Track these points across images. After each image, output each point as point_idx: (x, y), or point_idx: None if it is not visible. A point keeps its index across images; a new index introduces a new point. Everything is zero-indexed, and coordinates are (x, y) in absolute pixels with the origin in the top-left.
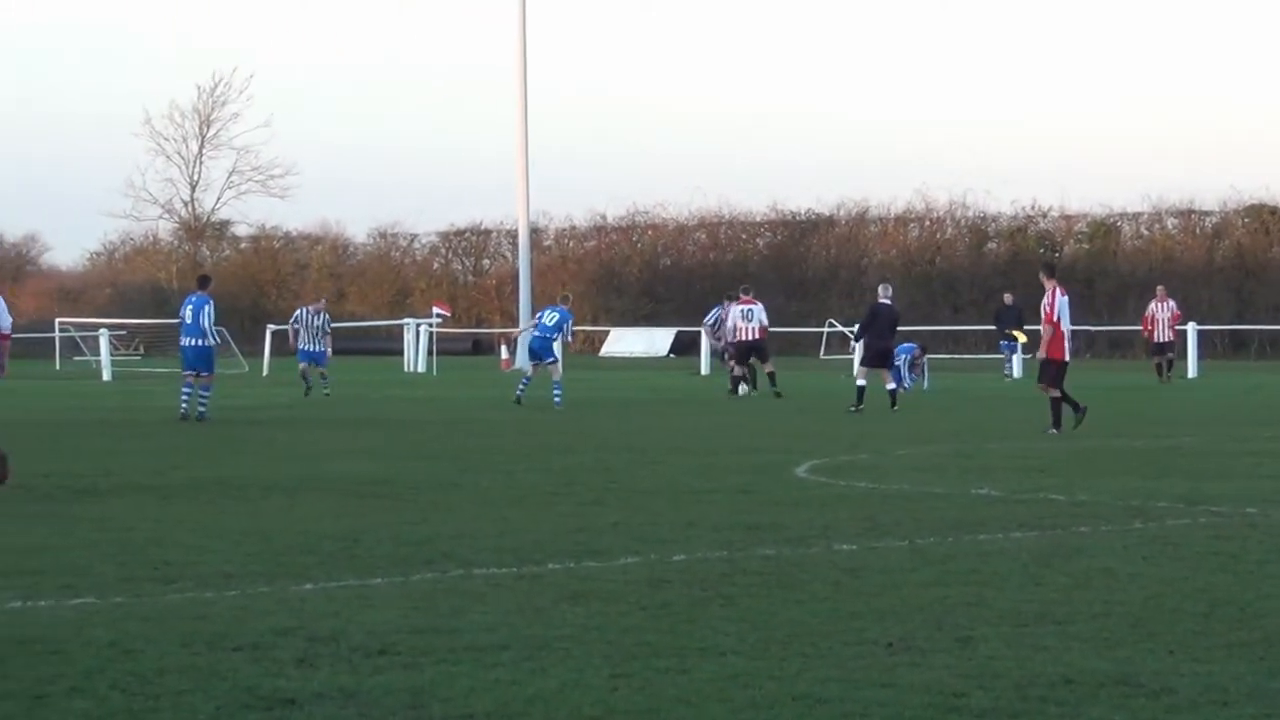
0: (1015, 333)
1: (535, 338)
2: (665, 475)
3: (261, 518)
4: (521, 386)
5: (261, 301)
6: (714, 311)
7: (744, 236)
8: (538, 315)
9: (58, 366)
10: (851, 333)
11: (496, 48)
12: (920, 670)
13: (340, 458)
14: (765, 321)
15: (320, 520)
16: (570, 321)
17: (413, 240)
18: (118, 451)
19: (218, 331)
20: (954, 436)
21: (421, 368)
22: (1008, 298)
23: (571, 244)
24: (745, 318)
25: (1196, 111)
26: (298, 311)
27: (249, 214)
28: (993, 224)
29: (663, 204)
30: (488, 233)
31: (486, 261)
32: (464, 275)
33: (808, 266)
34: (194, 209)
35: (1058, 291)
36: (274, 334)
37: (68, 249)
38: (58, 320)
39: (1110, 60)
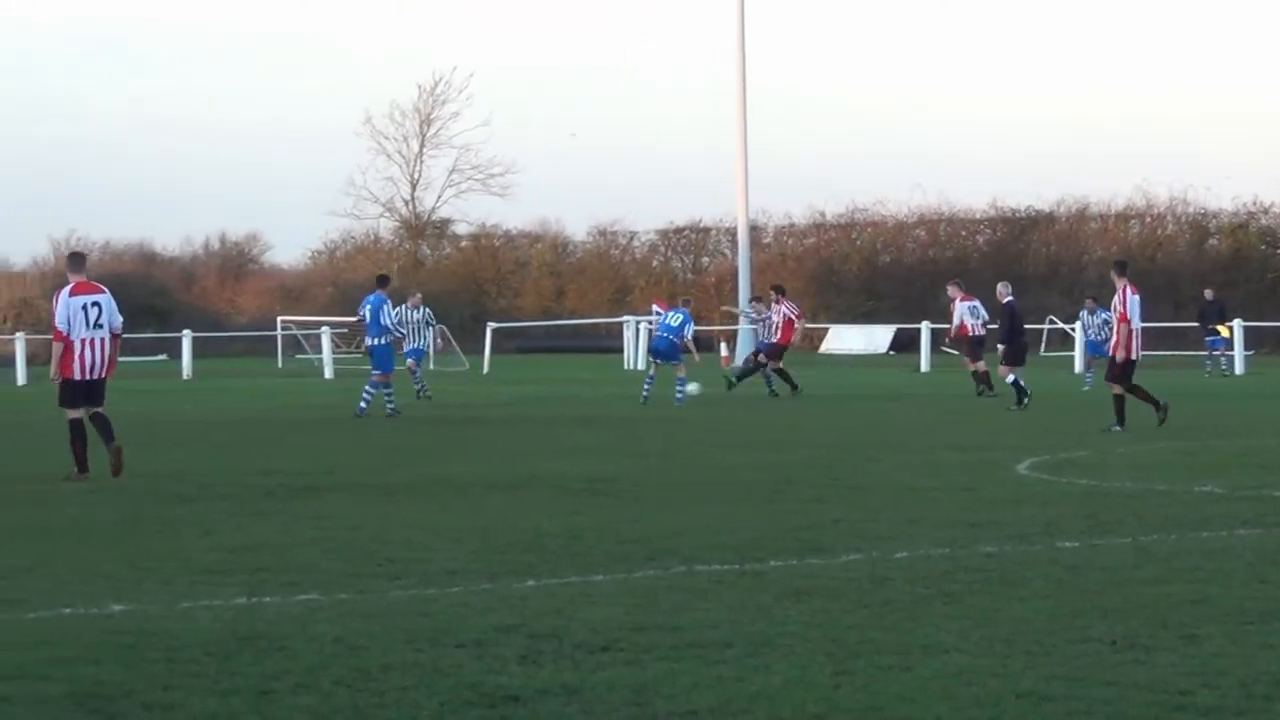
0: (1220, 328)
1: (659, 338)
2: (886, 472)
3: (483, 515)
4: (647, 387)
5: (482, 300)
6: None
7: (963, 233)
8: (662, 316)
9: (279, 364)
10: (1071, 330)
11: (715, 44)
12: (1145, 668)
13: (560, 455)
14: (986, 318)
15: (541, 517)
16: (691, 325)
17: (632, 238)
18: (340, 449)
19: (440, 330)
20: (1176, 433)
21: (641, 365)
22: (1208, 293)
23: (790, 241)
24: (973, 314)
25: None
26: (398, 310)
27: (469, 212)
28: (1214, 220)
29: (882, 201)
30: (707, 230)
31: (705, 259)
32: (683, 273)
33: (1027, 263)
34: (414, 207)
35: (1129, 289)
36: (494, 332)
37: (289, 248)
38: (280, 319)
39: None
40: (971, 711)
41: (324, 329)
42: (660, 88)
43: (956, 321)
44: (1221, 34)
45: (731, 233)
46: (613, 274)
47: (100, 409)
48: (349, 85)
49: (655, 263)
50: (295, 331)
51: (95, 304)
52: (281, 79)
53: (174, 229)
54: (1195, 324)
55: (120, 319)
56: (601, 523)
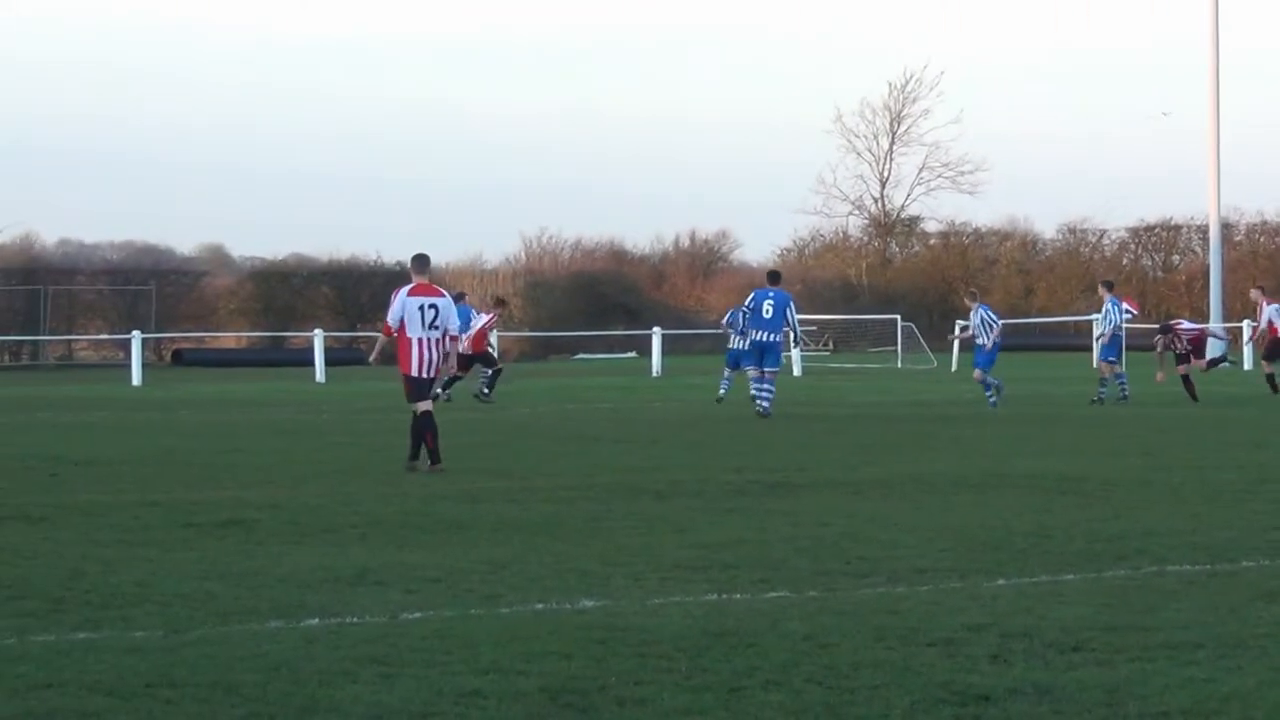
0: None
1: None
2: None
3: (952, 513)
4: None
5: (950, 297)
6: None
7: None
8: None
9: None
10: None
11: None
12: None
13: (1028, 454)
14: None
15: (1011, 516)
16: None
17: (1101, 236)
18: (810, 446)
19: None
20: None
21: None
22: None
23: (1263, 239)
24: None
25: None
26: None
27: (938, 210)
28: None
29: None
30: (1177, 228)
31: (1176, 257)
32: (1153, 271)
33: None
34: (883, 205)
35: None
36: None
37: (758, 246)
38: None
39: None
40: None
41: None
42: (1133, 79)
43: (1264, 322)
44: None
45: (1203, 230)
46: (1082, 272)
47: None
48: (819, 83)
49: (1125, 261)
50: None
51: (432, 306)
52: (752, 77)
53: (645, 227)
54: None
55: (457, 322)
56: (1071, 521)
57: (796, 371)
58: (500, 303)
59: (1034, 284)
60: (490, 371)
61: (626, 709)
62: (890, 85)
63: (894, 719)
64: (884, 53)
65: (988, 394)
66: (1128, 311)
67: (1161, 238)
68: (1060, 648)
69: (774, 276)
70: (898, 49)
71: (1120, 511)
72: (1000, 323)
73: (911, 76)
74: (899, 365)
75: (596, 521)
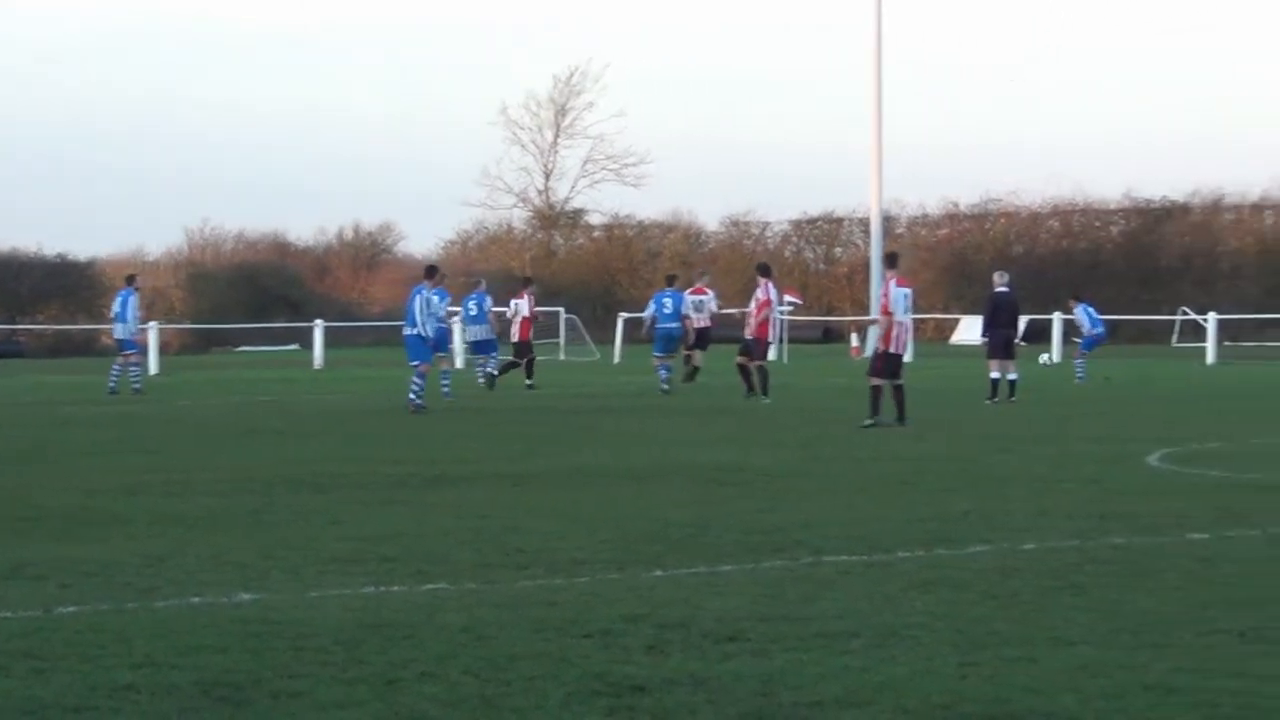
0: None
1: (668, 328)
2: (1016, 463)
3: (613, 505)
4: (665, 377)
5: (613, 289)
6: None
7: (1097, 224)
8: (658, 305)
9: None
10: (1204, 320)
11: (851, 33)
12: (1274, 660)
13: (691, 445)
14: (715, 309)
15: (670, 507)
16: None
17: (765, 228)
18: (471, 439)
19: (569, 320)
20: None
21: (772, 355)
22: None
23: (923, 232)
24: (697, 309)
25: None
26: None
27: (602, 202)
28: None
29: (1015, 191)
30: (839, 221)
31: (838, 249)
32: (815, 263)
33: (1160, 254)
34: (548, 197)
35: (895, 282)
36: (626, 322)
37: (422, 238)
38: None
39: None
40: (1098, 704)
41: (455, 319)
42: (794, 77)
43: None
44: None
45: (864, 223)
46: (745, 264)
47: None
48: (485, 76)
49: (788, 253)
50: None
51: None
52: (417, 69)
53: (309, 220)
54: None
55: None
56: (730, 513)
57: (459, 364)
58: (527, 281)
59: (697, 276)
60: (516, 360)
61: (281, 702)
62: (555, 78)
63: (549, 710)
64: (549, 46)
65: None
66: (790, 302)
67: (824, 230)
68: (716, 638)
69: (670, 279)
70: (563, 42)
71: (778, 503)
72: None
73: (576, 69)
74: (562, 357)
75: (256, 515)
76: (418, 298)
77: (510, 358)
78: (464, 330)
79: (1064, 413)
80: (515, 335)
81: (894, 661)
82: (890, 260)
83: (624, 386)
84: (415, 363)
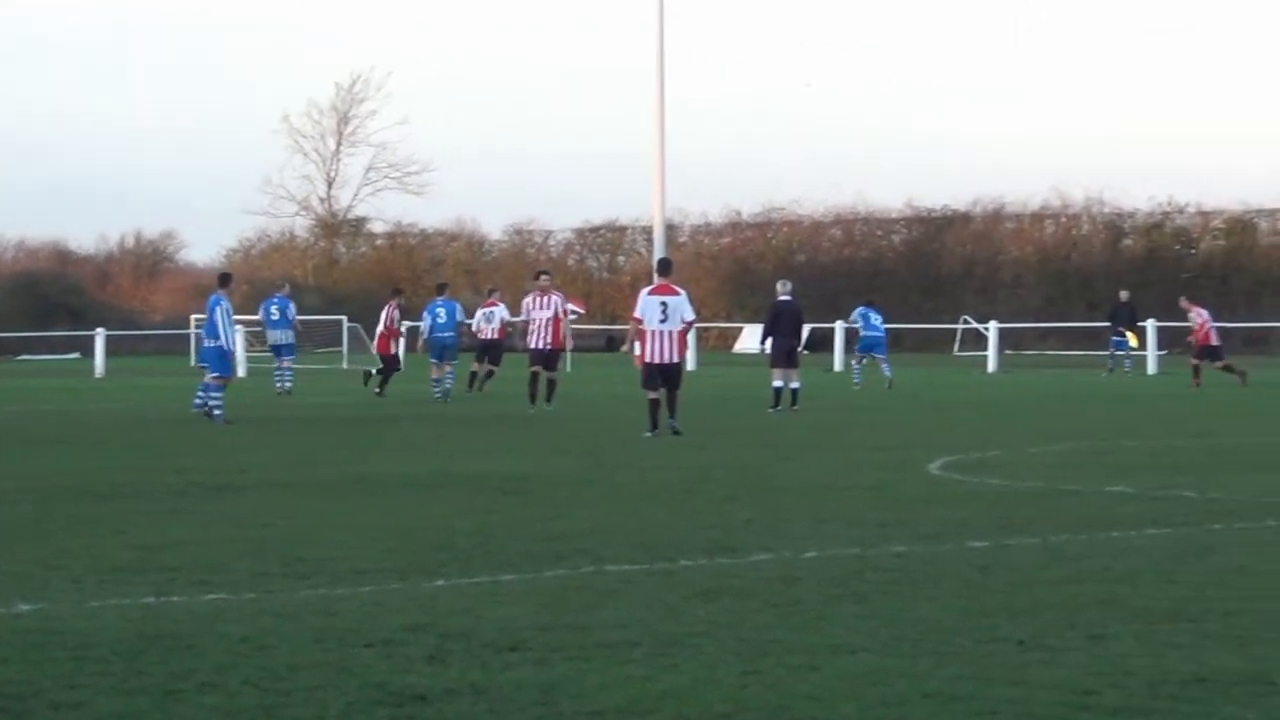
0: (1129, 334)
1: (442, 337)
2: (798, 472)
3: (396, 514)
4: (446, 383)
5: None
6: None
7: (879, 233)
8: (431, 314)
9: (193, 363)
10: (985, 329)
11: (634, 43)
12: (1052, 668)
13: (475, 454)
14: (507, 318)
15: (454, 516)
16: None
17: (548, 237)
18: (254, 448)
19: (352, 329)
20: (1088, 433)
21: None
22: (1123, 295)
23: (706, 240)
24: (487, 320)
25: None
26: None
27: (385, 211)
28: (1129, 220)
29: (798, 200)
30: (623, 229)
31: (621, 258)
32: (599, 272)
33: (942, 263)
34: (330, 206)
35: (644, 292)
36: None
37: (205, 246)
38: (193, 317)
39: (1245, 56)
40: (879, 711)
41: (237, 328)
42: (579, 85)
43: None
44: (1134, 37)
45: (647, 232)
46: (529, 273)
47: None
48: (268, 83)
49: (571, 261)
50: None
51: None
52: (199, 76)
53: (90, 227)
54: (1103, 325)
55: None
56: (514, 522)
57: (241, 372)
58: (397, 292)
59: (481, 285)
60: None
61: (61, 713)
62: (338, 86)
63: None
64: (332, 54)
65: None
66: (573, 311)
67: (607, 239)
68: (497, 648)
69: (441, 288)
70: (345, 50)
71: (562, 511)
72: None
73: (359, 77)
74: (345, 366)
75: (36, 524)
76: (218, 309)
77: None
78: (265, 334)
79: (846, 421)
80: (375, 347)
81: (676, 670)
82: (662, 267)
83: (408, 395)
84: (216, 375)
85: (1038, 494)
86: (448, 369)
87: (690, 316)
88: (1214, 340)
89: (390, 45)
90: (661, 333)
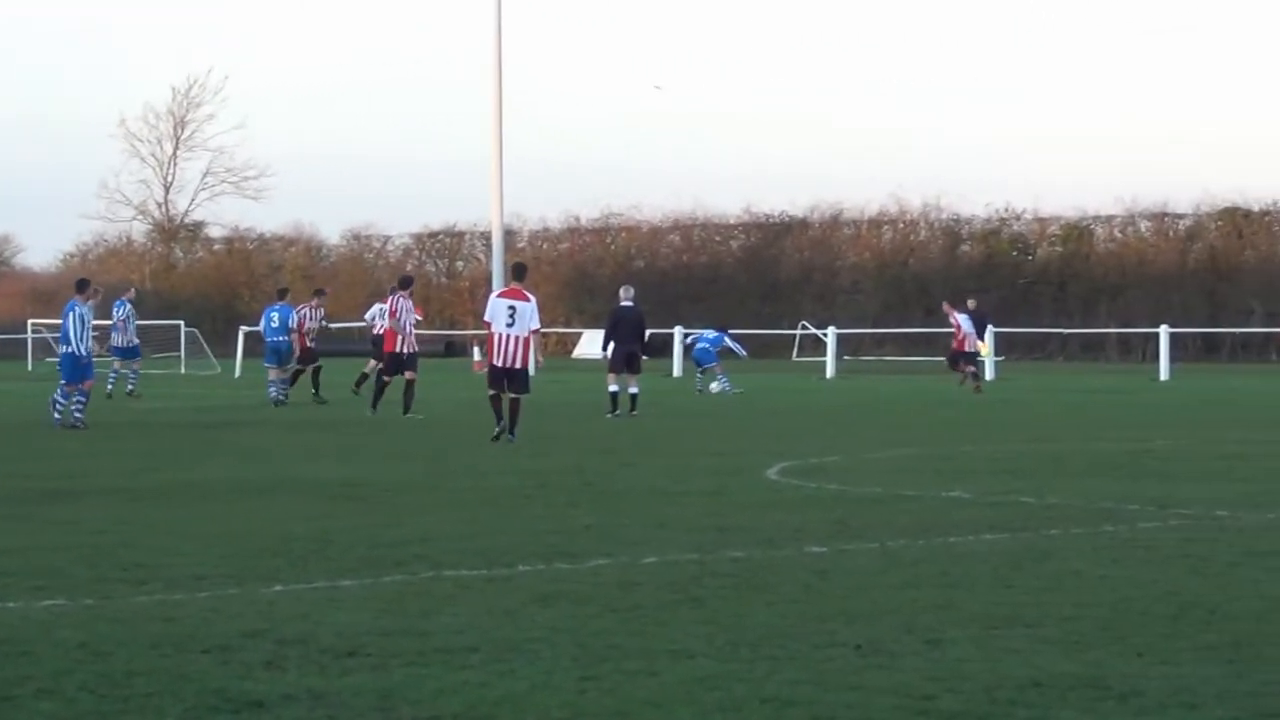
0: (980, 345)
1: (274, 342)
2: (638, 477)
3: (233, 520)
4: (285, 388)
5: (235, 303)
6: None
7: (717, 239)
8: (266, 319)
9: (30, 368)
10: (824, 334)
11: (472, 49)
12: (889, 673)
13: (313, 460)
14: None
15: (291, 522)
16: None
17: (386, 242)
18: (89, 454)
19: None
20: (926, 439)
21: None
22: (971, 303)
23: (545, 246)
24: (381, 316)
25: (1170, 114)
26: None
27: (222, 215)
28: (966, 227)
29: (637, 206)
30: (461, 235)
31: (460, 263)
32: (437, 277)
33: (781, 269)
34: (167, 210)
35: (493, 295)
36: (246, 335)
37: (42, 250)
38: (30, 321)
39: (1084, 63)
40: (716, 716)
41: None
42: (417, 90)
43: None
44: (971, 45)
45: (486, 237)
46: (366, 278)
47: None
48: (105, 87)
49: (409, 266)
50: (46, 335)
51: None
52: (36, 79)
53: None
54: (948, 330)
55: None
56: (352, 527)
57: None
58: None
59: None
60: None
61: None
62: (174, 90)
63: None
64: (168, 57)
65: None
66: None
67: (445, 244)
68: (335, 653)
69: (282, 293)
70: (183, 53)
71: (401, 517)
72: None
73: (196, 82)
74: (182, 371)
75: None
76: (71, 314)
77: (298, 366)
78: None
79: (685, 426)
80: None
81: (514, 676)
82: (517, 272)
83: (245, 400)
84: (67, 382)
85: (875, 499)
86: (274, 374)
87: (536, 325)
88: (967, 348)
89: (228, 49)
90: (507, 336)
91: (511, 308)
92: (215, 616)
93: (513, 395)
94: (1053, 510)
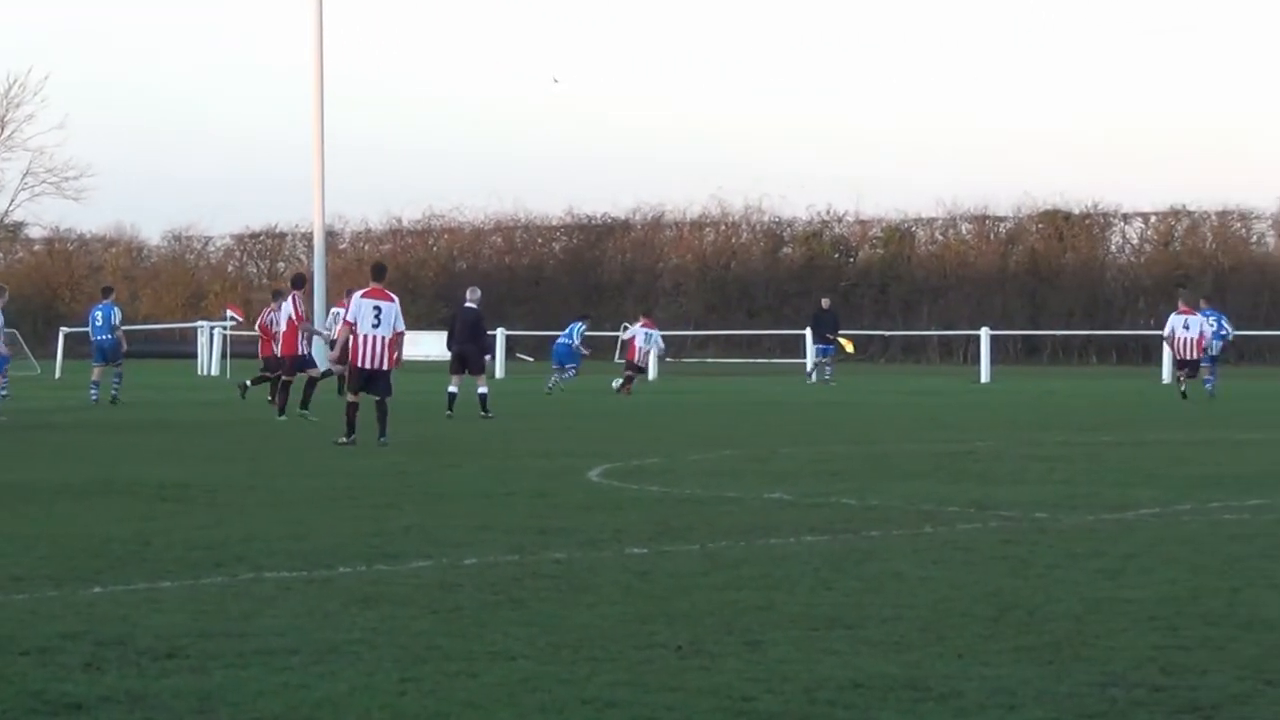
0: (834, 337)
1: (99, 341)
2: (460, 478)
3: (51, 521)
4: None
5: (55, 304)
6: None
7: (539, 240)
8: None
9: None
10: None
11: (293, 48)
12: (709, 674)
13: (133, 461)
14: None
15: (111, 524)
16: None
17: (207, 243)
18: None
19: (9, 333)
20: (747, 441)
21: (215, 371)
22: (825, 302)
23: (367, 247)
24: (336, 320)
25: (991, 118)
26: None
27: (43, 216)
28: (788, 229)
29: (459, 207)
30: (283, 236)
31: (281, 264)
32: (259, 278)
33: (603, 271)
34: None
35: (358, 294)
36: (66, 336)
37: None
38: None
39: (903, 65)
40: (536, 717)
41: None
42: (236, 91)
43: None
44: (791, 43)
45: (308, 238)
46: (187, 279)
47: None
48: None
49: (230, 268)
50: None
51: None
52: None
53: None
54: (771, 331)
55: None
56: (171, 528)
57: None
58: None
59: (140, 290)
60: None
61: None
62: None
63: None
64: None
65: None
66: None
67: (267, 245)
68: (154, 655)
69: (106, 292)
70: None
71: (222, 518)
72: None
73: (15, 81)
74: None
75: None
76: None
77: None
78: None
79: (511, 428)
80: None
81: (334, 678)
82: (378, 272)
83: (66, 401)
84: None
85: (697, 500)
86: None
87: (401, 328)
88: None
89: (48, 47)
90: (372, 338)
91: (377, 308)
92: (33, 618)
93: (377, 398)
94: (874, 512)
